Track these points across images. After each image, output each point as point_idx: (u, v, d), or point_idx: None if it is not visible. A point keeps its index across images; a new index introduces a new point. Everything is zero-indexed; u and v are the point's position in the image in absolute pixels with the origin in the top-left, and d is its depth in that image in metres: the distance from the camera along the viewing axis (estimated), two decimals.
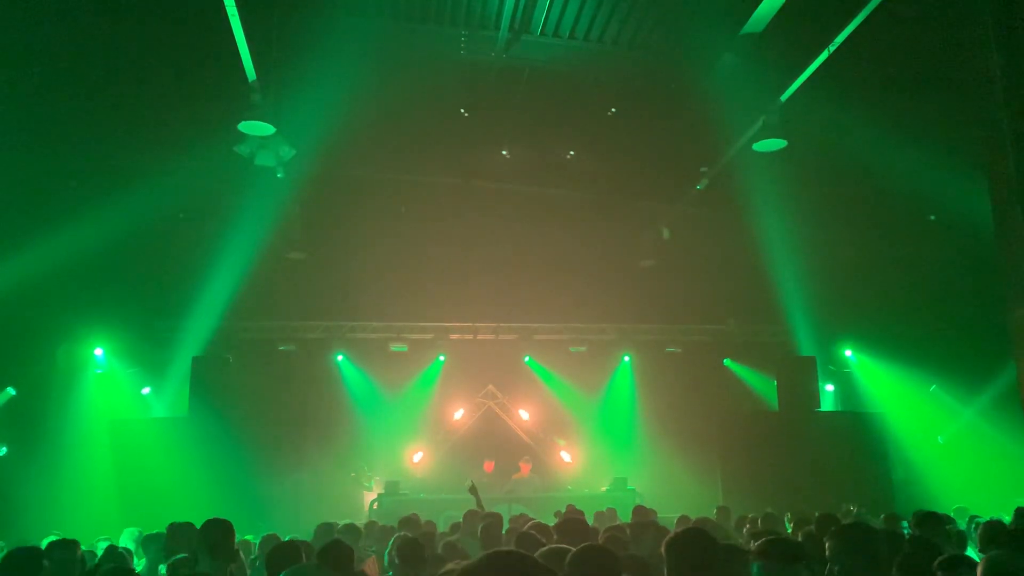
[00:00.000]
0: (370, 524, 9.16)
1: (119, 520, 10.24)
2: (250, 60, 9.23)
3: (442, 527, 9.18)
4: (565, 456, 15.61)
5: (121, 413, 13.69)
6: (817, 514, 6.53)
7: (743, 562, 3.57)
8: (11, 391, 13.00)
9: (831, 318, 14.64)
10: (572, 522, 5.39)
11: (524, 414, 16.12)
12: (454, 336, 15.96)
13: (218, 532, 4.37)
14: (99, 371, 13.98)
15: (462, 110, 12.03)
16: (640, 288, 15.42)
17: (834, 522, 5.55)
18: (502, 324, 15.93)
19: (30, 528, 9.72)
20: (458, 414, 15.94)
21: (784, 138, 10.45)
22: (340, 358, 15.65)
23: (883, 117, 10.51)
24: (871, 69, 10.18)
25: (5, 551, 6.24)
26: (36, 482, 11.80)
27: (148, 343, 13.82)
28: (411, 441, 15.40)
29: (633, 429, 15.73)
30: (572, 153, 13.34)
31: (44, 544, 5.70)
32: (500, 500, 12.23)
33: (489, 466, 14.91)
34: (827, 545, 4.14)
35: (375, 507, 12.77)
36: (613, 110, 12.16)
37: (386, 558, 5.59)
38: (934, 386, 14.40)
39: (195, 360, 13.08)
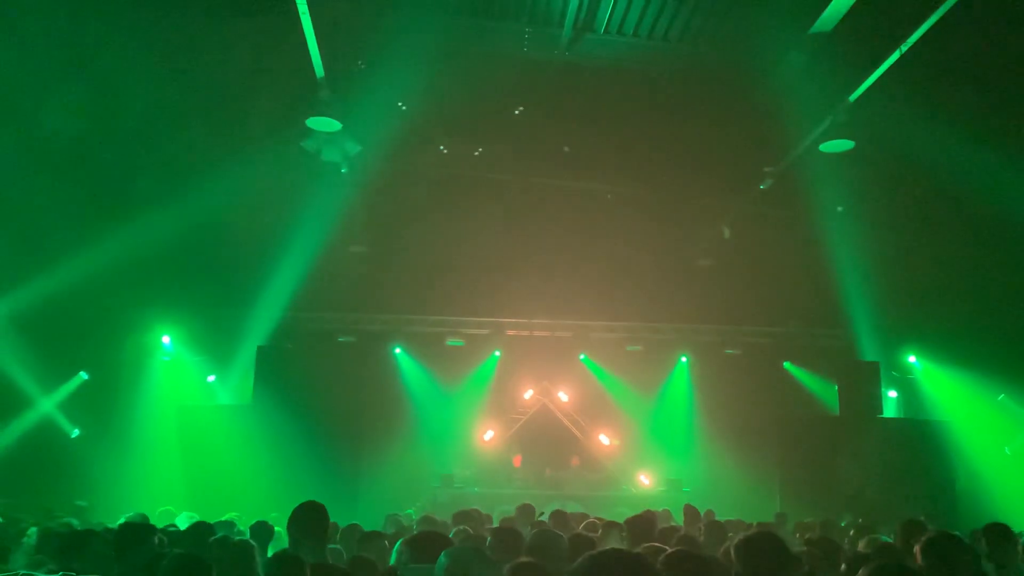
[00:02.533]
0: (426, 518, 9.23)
1: (185, 501, 10.57)
2: (319, 57, 9.41)
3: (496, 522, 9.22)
4: (604, 439, 15.56)
5: (187, 399, 14.09)
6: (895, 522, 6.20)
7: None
8: (84, 375, 13.49)
9: (896, 323, 14.33)
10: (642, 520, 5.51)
11: (563, 396, 16.17)
12: (510, 332, 16.03)
13: (313, 515, 4.64)
14: (166, 358, 14.41)
15: (516, 111, 12.13)
16: (699, 288, 15.28)
17: (922, 530, 5.33)
18: (558, 321, 15.95)
19: (101, 507, 10.08)
20: (528, 394, 16.04)
21: (852, 139, 10.26)
22: (398, 351, 15.85)
23: (956, 118, 10.21)
24: (945, 68, 9.90)
25: (77, 527, 6.50)
26: (106, 463, 12.22)
27: (214, 332, 14.17)
28: (481, 421, 15.59)
29: (689, 431, 15.61)
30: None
31: (119, 524, 5.90)
32: (553, 498, 12.26)
33: (517, 461, 15.04)
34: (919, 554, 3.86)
35: (429, 500, 12.92)
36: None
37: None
38: (1002, 395, 13.99)
39: (259, 349, 13.38)
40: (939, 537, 3.93)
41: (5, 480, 11.06)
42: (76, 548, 4.97)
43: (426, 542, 4.81)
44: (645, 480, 14.58)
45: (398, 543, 5.41)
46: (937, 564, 3.63)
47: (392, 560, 6.24)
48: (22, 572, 4.45)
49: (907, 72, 9.58)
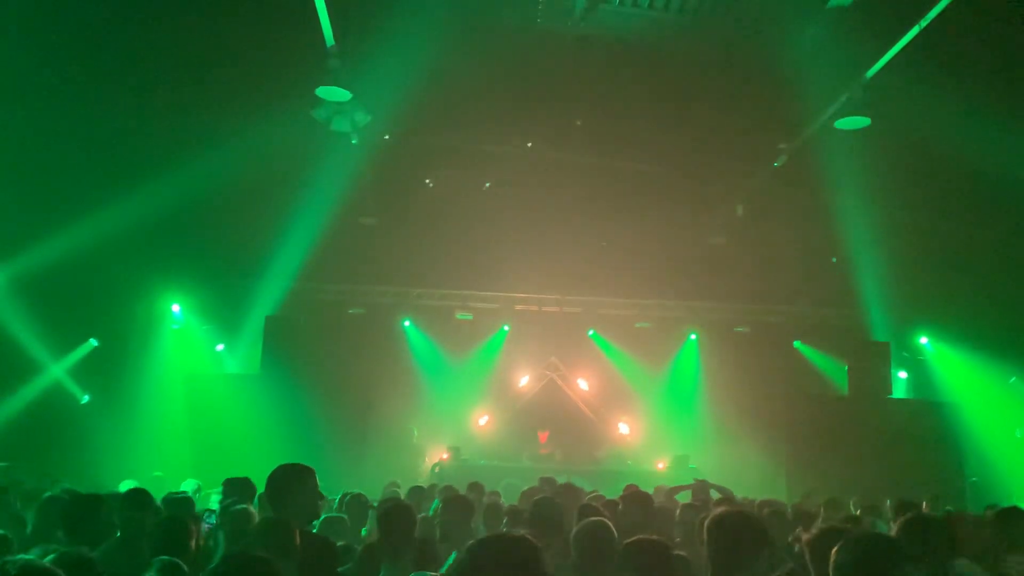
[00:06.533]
0: (435, 487, 9.26)
1: (191, 469, 10.61)
2: (329, 25, 9.30)
3: (504, 496, 9.21)
4: (623, 428, 15.55)
5: (196, 368, 14.13)
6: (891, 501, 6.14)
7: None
8: (93, 342, 13.54)
9: (907, 303, 14.21)
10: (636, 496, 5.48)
11: (583, 383, 16.14)
12: (519, 307, 15.99)
13: (284, 478, 4.16)
14: (176, 327, 14.46)
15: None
16: (710, 266, 15.18)
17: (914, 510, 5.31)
18: (567, 296, 15.90)
19: (107, 473, 10.14)
20: (523, 380, 16.02)
21: (868, 116, 10.10)
22: (407, 324, 15.84)
23: (974, 96, 10.03)
24: (964, 46, 9.72)
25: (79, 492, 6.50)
26: (114, 430, 12.29)
27: (223, 301, 14.18)
28: (477, 405, 15.54)
29: (697, 408, 15.59)
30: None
31: (122, 489, 5.91)
32: (560, 472, 12.26)
33: (543, 437, 15.03)
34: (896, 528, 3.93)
35: (436, 471, 12.97)
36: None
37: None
38: (1014, 378, 13.90)
39: (268, 319, 13.40)
40: (917, 517, 4.02)
41: (14, 445, 11.13)
42: (82, 515, 4.90)
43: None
44: (661, 466, 14.45)
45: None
46: (910, 540, 3.65)
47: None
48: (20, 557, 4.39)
49: (926, 49, 9.40)
